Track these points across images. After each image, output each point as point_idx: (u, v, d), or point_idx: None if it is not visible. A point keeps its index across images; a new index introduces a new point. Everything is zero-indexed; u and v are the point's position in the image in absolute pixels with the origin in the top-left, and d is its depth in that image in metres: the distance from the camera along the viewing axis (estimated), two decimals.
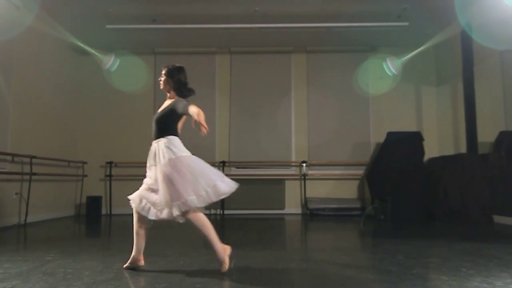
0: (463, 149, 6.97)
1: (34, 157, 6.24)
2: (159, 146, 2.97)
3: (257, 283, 2.55)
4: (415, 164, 7.03)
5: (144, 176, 3.12)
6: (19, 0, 5.92)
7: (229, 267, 2.85)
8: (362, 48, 8.29)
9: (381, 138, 7.63)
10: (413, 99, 8.39)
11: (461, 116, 7.04)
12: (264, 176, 8.08)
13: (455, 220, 6.08)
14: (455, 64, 7.27)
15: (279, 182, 8.06)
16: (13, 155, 5.90)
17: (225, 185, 2.88)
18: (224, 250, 2.91)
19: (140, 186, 3.09)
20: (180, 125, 3.19)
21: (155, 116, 3.11)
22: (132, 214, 3.06)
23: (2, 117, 5.82)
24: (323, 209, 7.56)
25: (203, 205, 2.89)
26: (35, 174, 6.25)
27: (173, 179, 2.82)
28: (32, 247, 4.17)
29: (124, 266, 3.01)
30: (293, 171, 8.25)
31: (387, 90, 8.10)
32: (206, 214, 3.02)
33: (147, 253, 3.58)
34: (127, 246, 3.84)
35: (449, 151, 7.49)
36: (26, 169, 6.19)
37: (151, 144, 3.07)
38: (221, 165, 8.00)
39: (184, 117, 3.17)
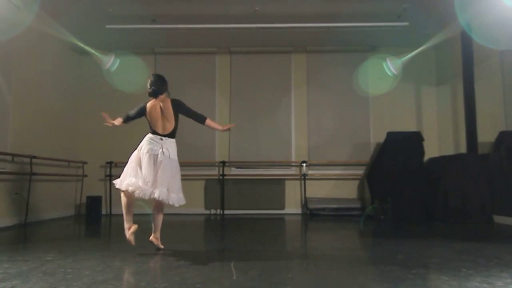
0: (463, 149, 6.97)
1: (34, 157, 6.24)
2: (169, 143, 3.72)
3: (257, 283, 2.55)
4: (415, 164, 7.03)
5: None
6: (19, 0, 5.92)
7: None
8: (362, 48, 8.29)
9: (381, 138, 7.63)
10: (413, 99, 8.39)
11: (461, 116, 7.04)
12: (264, 176, 8.08)
13: (455, 220, 6.08)
14: (455, 64, 7.27)
15: (279, 182, 8.06)
16: (13, 155, 5.90)
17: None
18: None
19: None
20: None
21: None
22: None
23: (2, 117, 5.81)
24: (323, 209, 7.56)
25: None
26: (35, 174, 6.25)
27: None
28: (32, 247, 4.17)
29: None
30: (293, 171, 8.24)
31: (387, 90, 8.09)
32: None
33: (147, 253, 3.58)
34: (127, 246, 3.84)
35: (449, 151, 7.49)
36: (26, 169, 6.18)
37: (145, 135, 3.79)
38: (221, 165, 8.01)
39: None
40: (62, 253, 3.58)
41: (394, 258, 3.35)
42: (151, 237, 3.79)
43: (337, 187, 8.07)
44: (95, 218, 7.19)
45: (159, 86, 3.80)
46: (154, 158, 3.62)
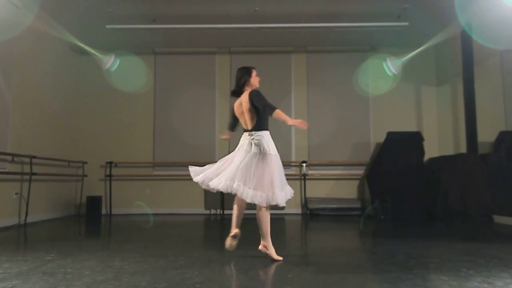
0: (463, 149, 6.97)
1: (34, 157, 6.24)
2: (257, 136, 3.76)
3: (257, 283, 2.54)
4: (415, 164, 7.03)
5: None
6: (19, 0, 5.92)
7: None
8: (362, 48, 8.29)
9: (381, 138, 7.63)
10: (413, 99, 8.39)
11: (461, 116, 7.04)
12: None
13: (455, 220, 6.08)
14: (455, 64, 7.27)
15: None
16: (13, 155, 5.90)
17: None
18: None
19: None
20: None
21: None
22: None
23: (2, 117, 5.82)
24: (323, 209, 7.56)
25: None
26: (35, 174, 6.25)
27: None
28: (32, 247, 4.17)
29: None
30: (293, 171, 8.24)
31: (387, 90, 8.09)
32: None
33: (147, 253, 3.58)
34: (126, 246, 3.84)
35: (449, 151, 7.49)
36: (26, 169, 6.18)
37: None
38: None
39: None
40: (62, 253, 3.58)
41: (394, 258, 3.35)
42: (260, 246, 3.56)
43: (337, 187, 8.07)
44: (95, 218, 7.19)
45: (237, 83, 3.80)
46: (243, 154, 3.61)
